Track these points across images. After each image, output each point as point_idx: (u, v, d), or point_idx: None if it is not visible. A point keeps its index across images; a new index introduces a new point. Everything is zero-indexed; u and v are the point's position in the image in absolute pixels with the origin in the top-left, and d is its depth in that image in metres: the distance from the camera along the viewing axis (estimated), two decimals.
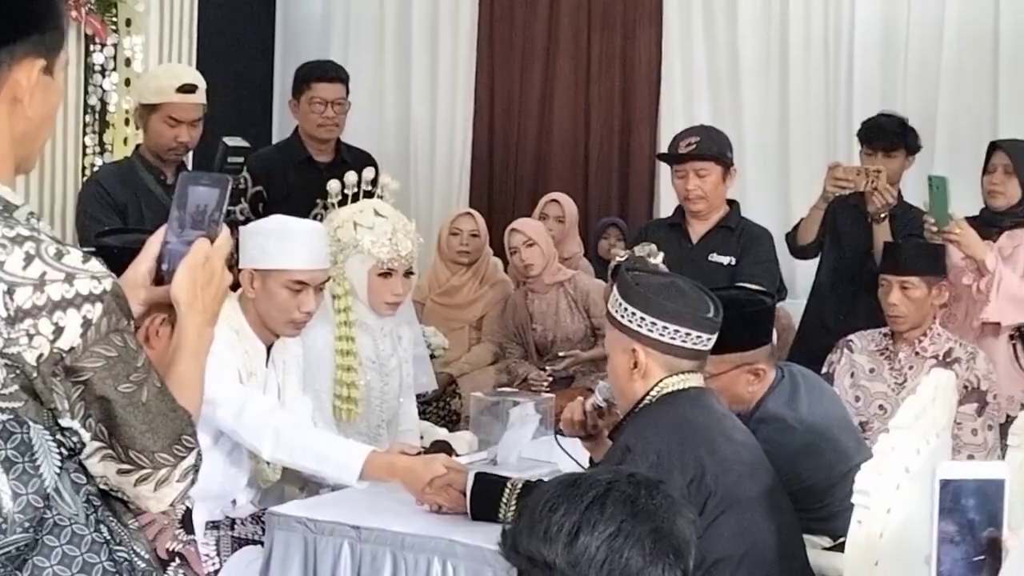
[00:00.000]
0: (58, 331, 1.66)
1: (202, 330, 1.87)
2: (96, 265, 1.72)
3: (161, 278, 1.88)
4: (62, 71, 1.82)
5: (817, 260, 5.12)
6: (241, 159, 4.31)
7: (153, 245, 1.90)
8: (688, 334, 2.90)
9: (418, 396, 5.34)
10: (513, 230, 5.73)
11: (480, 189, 7.29)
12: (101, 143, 6.13)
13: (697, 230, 4.72)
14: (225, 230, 1.90)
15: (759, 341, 3.28)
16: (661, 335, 2.90)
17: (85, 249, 1.76)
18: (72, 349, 1.67)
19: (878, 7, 6.44)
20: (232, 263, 4.22)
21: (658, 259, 4.28)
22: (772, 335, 3.33)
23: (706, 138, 4.67)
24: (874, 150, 5.00)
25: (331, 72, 5.24)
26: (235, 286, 3.66)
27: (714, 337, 2.95)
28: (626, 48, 7.01)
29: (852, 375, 4.29)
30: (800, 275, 5.96)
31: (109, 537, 1.79)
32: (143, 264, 1.90)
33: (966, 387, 4.13)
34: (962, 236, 4.36)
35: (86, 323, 1.67)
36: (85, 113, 6.18)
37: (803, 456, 3.22)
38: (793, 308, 5.83)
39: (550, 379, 5.52)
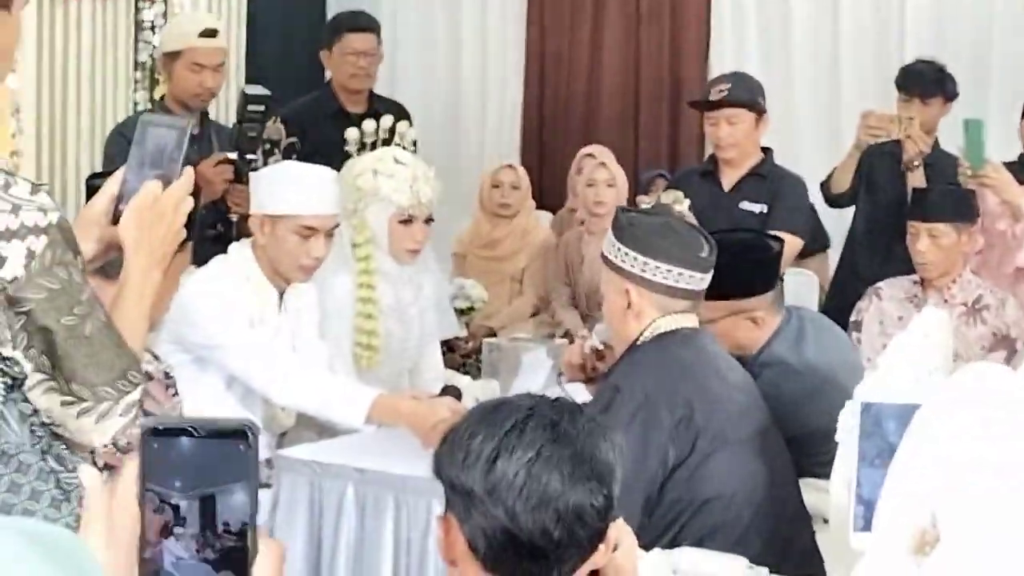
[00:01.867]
0: (1, 261, 1.67)
1: (147, 272, 1.84)
2: (44, 198, 1.72)
3: (118, 218, 1.86)
4: (21, 7, 1.82)
5: (852, 209, 5.06)
6: (262, 107, 4.34)
7: (112, 184, 1.88)
8: (680, 273, 2.90)
9: (456, 347, 5.40)
10: (601, 164, 5.55)
11: (531, 143, 7.28)
12: (152, 99, 6.22)
13: (729, 177, 4.71)
14: (188, 172, 1.87)
15: (756, 289, 3.25)
16: (653, 275, 2.90)
17: (36, 182, 1.77)
18: (15, 279, 1.67)
19: None
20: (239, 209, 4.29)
21: (684, 206, 4.27)
22: (776, 282, 3.29)
23: (737, 85, 4.66)
24: (910, 96, 4.94)
25: (363, 23, 5.27)
26: (240, 235, 3.72)
27: (707, 276, 2.93)
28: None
29: (881, 323, 4.25)
30: (836, 225, 5.90)
31: (57, 465, 1.81)
32: (99, 202, 1.88)
33: (995, 334, 4.08)
34: (998, 180, 4.30)
35: (30, 254, 1.68)
36: (135, 70, 6.28)
37: (807, 400, 3.20)
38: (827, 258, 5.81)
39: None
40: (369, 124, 3.90)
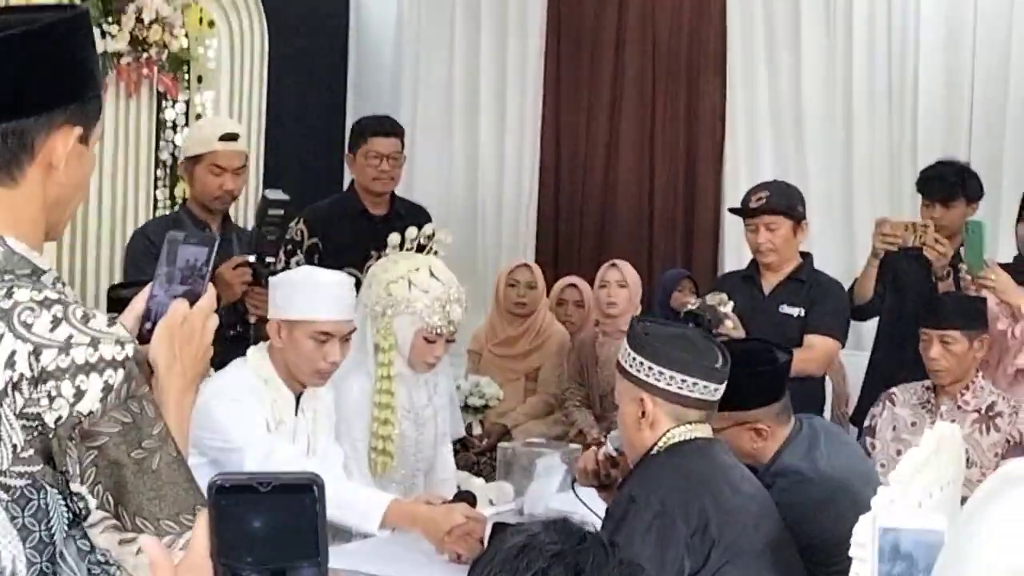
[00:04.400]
0: (79, 394, 1.65)
1: (183, 395, 1.80)
2: (120, 330, 1.70)
3: (146, 336, 1.82)
4: (97, 140, 1.83)
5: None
6: (281, 211, 4.39)
7: (138, 301, 1.85)
8: (695, 384, 2.92)
9: (471, 445, 5.41)
10: (613, 265, 5.79)
11: (546, 242, 7.35)
12: (172, 197, 6.30)
13: (769, 281, 4.80)
14: (211, 289, 1.85)
15: (759, 401, 3.26)
16: (668, 384, 2.92)
17: (110, 315, 1.74)
18: (91, 413, 1.65)
19: (941, 55, 6.40)
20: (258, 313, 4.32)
21: (728, 307, 4.36)
22: (781, 393, 3.30)
23: (776, 193, 4.76)
24: (932, 201, 4.95)
25: (388, 127, 5.33)
26: (265, 337, 3.74)
27: (721, 387, 2.95)
28: (690, 100, 7.05)
29: (894, 428, 4.25)
30: (866, 326, 5.91)
31: None
32: (126, 321, 1.83)
33: (1008, 441, 4.07)
34: (997, 281, 4.33)
35: (107, 388, 1.66)
36: (156, 167, 6.36)
37: (821, 509, 3.19)
38: (856, 360, 5.81)
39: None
40: (411, 231, 3.94)
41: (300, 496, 1.10)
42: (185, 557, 1.13)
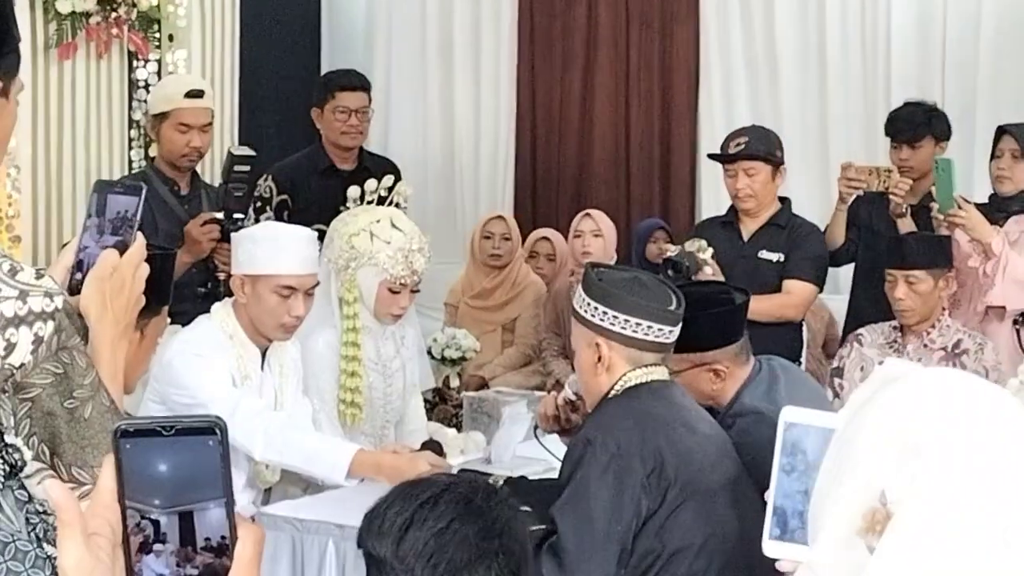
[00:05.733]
0: (10, 347, 1.66)
1: (115, 344, 1.82)
2: (49, 282, 1.71)
3: (76, 287, 1.83)
4: (18, 94, 1.81)
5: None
6: (247, 167, 4.41)
7: (68, 253, 1.87)
8: (649, 327, 2.95)
9: (448, 398, 5.45)
10: (587, 215, 5.84)
11: (524, 195, 7.37)
12: (147, 157, 6.29)
13: (748, 227, 4.83)
14: (140, 238, 1.86)
15: (718, 342, 3.29)
16: (623, 328, 2.95)
17: (38, 268, 1.74)
18: (22, 365, 1.67)
19: None
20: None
21: (707, 254, 4.39)
22: (739, 334, 3.34)
23: (755, 138, 4.78)
24: (899, 143, 4.97)
25: (354, 81, 5.34)
26: (229, 293, 3.78)
27: (676, 329, 2.99)
28: (664, 46, 7.04)
29: (862, 369, 4.29)
30: (843, 270, 5.94)
31: (53, 551, 1.82)
32: (56, 273, 1.84)
33: None
34: (967, 219, 4.35)
35: (37, 340, 1.67)
36: (130, 128, 6.35)
37: None
38: (834, 305, 5.85)
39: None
40: (370, 183, 3.96)
41: (203, 438, 1.13)
42: (92, 502, 1.16)
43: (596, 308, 2.97)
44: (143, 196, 1.86)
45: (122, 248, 1.84)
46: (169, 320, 2.74)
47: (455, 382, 5.52)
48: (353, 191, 3.99)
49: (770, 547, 1.53)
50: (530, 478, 3.45)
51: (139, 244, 1.86)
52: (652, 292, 3.00)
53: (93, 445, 1.72)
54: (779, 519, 1.66)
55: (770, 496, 1.66)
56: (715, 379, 3.30)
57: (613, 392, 2.98)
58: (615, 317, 2.95)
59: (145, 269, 1.88)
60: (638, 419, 2.90)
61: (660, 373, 3.00)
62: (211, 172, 6.06)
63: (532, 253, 6.17)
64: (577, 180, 7.23)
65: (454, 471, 3.36)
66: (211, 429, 1.12)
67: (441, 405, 5.42)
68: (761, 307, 4.14)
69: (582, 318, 3.01)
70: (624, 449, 2.84)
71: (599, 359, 2.98)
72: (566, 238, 6.02)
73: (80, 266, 1.84)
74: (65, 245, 1.93)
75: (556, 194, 7.31)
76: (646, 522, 2.85)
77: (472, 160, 7.48)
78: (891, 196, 4.71)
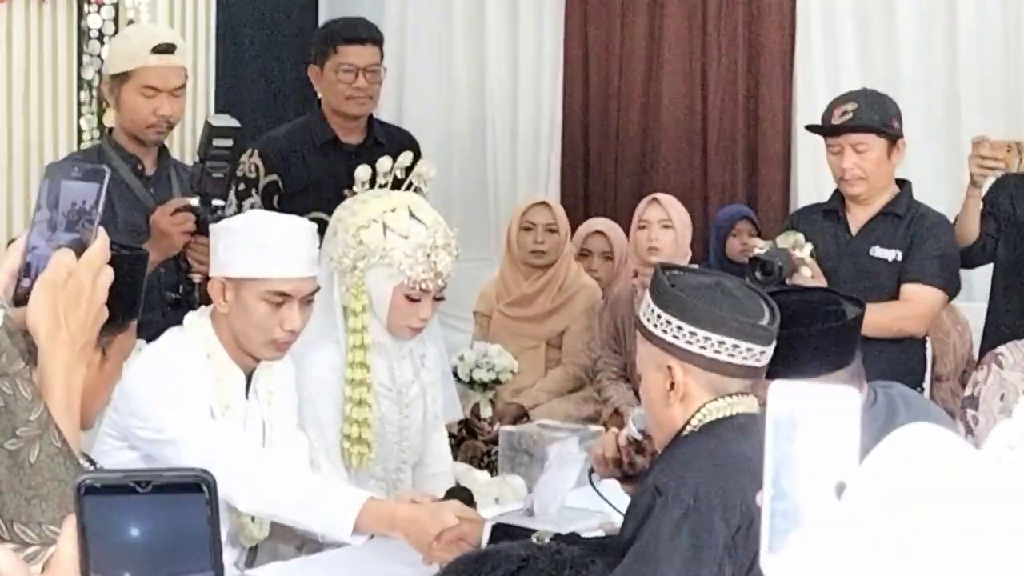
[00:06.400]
0: None
1: (71, 367, 1.82)
2: None
3: (23, 297, 1.83)
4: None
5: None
6: (230, 141, 4.41)
7: (12, 254, 1.85)
8: (736, 346, 2.94)
9: (479, 431, 5.46)
10: (654, 201, 5.77)
11: (573, 178, 7.40)
12: (101, 126, 6.31)
13: (858, 218, 4.85)
14: (102, 236, 1.86)
15: (824, 367, 3.27)
16: (703, 348, 2.94)
17: None
18: None
19: None
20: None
21: (805, 251, 4.39)
22: (851, 357, 3.32)
23: (866, 105, 4.79)
24: None
25: (362, 32, 5.34)
26: (207, 300, 3.79)
27: (769, 349, 2.97)
28: None
29: (1002, 398, 4.25)
30: (978, 273, 5.92)
31: None
32: None
33: None
34: None
35: None
36: (80, 90, 6.39)
37: None
38: (968, 314, 5.83)
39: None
40: (383, 162, 3.94)
41: (187, 496, 1.13)
42: (48, 574, 1.16)
43: (668, 322, 2.95)
44: (106, 183, 1.86)
45: (79, 248, 1.84)
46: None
47: (487, 412, 5.52)
48: (361, 171, 3.98)
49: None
50: (583, 535, 3.44)
51: (101, 243, 1.86)
52: (739, 302, 2.98)
53: (41, 496, 1.72)
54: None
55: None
56: None
57: (689, 428, 2.96)
58: (692, 334, 2.94)
59: (109, 274, 1.87)
60: (721, 463, 2.89)
61: (748, 404, 2.99)
62: (183, 147, 6.09)
63: (584, 250, 6.17)
64: (640, 158, 7.24)
65: (487, 526, 3.35)
66: (196, 485, 1.13)
67: (470, 441, 5.44)
68: (874, 319, 4.11)
69: (650, 333, 2.99)
70: (702, 501, 2.83)
71: (672, 386, 2.96)
72: (626, 231, 6.00)
73: (27, 271, 1.84)
74: (11, 243, 1.93)
75: (614, 175, 7.32)
76: None
77: (508, 137, 7.50)
78: None
